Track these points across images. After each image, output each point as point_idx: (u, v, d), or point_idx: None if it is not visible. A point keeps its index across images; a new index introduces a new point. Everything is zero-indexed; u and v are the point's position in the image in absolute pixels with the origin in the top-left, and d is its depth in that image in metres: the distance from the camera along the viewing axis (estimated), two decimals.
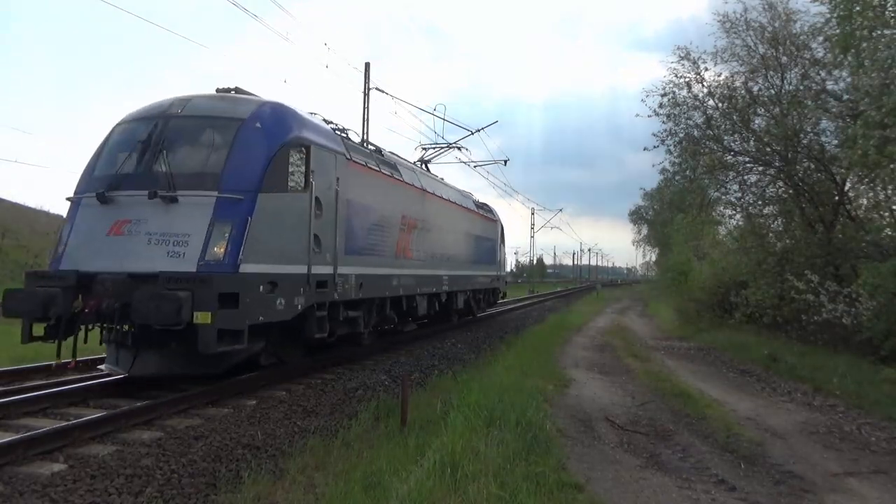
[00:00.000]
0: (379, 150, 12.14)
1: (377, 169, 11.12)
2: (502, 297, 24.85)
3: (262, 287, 7.42)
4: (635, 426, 7.52)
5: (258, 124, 7.95)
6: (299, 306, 8.16)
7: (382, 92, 23.08)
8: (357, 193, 10.02)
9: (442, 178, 17.19)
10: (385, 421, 6.96)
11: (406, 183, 12.69)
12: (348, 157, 9.80)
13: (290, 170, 8.17)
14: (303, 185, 8.39)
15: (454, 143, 20.15)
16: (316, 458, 5.70)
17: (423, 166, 17.16)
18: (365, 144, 12.05)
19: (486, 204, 20.97)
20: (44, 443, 5.52)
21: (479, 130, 23.54)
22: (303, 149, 8.45)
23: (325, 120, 10.14)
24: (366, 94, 23.20)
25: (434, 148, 19.49)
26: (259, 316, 7.38)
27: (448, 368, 10.83)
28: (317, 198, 8.55)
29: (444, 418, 6.53)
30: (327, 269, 8.88)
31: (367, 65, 23.47)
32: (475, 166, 27.01)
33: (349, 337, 10.54)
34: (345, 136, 10.46)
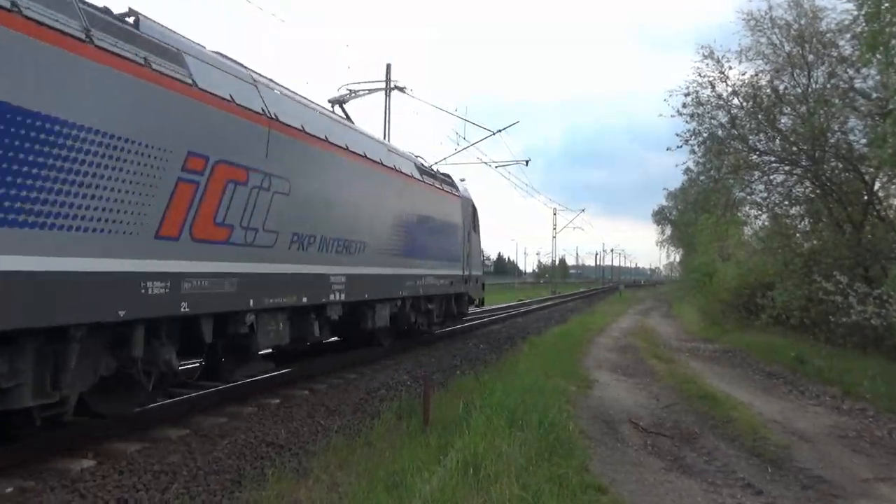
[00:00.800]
0: (136, 21, 5.86)
1: (84, 39, 4.90)
2: (477, 305, 17.76)
3: None
4: (659, 428, 7.44)
5: None
6: None
7: (403, 91, 23.15)
8: None
9: (347, 118, 11.55)
10: (407, 420, 6.98)
11: (204, 92, 6.26)
12: None
13: None
14: None
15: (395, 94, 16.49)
16: (339, 457, 5.74)
17: (338, 109, 12.24)
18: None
19: (445, 174, 15.31)
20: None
21: (500, 131, 23.66)
22: None
23: None
24: (387, 94, 23.33)
25: (362, 89, 15.33)
26: None
27: (470, 369, 10.83)
28: None
29: (467, 418, 6.52)
30: None
31: (389, 66, 23.59)
32: (496, 166, 27.08)
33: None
34: None
